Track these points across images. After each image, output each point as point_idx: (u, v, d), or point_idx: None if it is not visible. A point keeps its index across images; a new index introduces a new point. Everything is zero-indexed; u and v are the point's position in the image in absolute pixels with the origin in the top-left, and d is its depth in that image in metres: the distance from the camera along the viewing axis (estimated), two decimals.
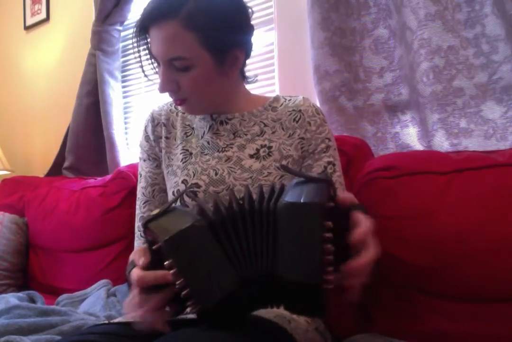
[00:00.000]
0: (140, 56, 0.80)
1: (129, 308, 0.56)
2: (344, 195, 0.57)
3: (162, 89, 0.77)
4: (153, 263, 0.55)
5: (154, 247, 0.53)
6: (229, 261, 0.52)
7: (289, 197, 0.52)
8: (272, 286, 0.52)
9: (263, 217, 0.53)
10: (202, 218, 0.53)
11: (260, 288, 0.54)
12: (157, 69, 0.80)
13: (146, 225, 0.55)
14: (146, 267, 0.55)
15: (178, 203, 0.80)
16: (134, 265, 0.57)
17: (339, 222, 0.51)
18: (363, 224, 0.52)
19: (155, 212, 0.57)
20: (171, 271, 0.50)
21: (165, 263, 0.51)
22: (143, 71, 0.82)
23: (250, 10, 0.80)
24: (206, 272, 0.50)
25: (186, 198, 0.80)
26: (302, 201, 0.50)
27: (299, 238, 0.49)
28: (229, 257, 0.52)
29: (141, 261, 0.55)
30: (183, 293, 0.50)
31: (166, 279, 0.52)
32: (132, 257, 0.60)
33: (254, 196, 0.56)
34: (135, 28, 0.77)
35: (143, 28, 0.76)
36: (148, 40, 0.78)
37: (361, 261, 0.51)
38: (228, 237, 0.53)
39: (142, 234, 0.87)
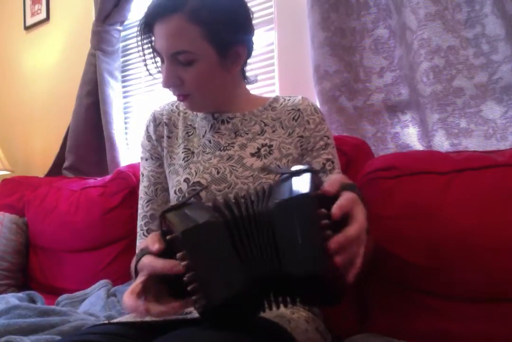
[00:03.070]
0: (144, 55, 0.80)
1: (128, 296, 0.53)
2: (330, 179, 0.56)
3: (166, 84, 0.78)
4: (165, 253, 0.55)
5: (168, 237, 0.53)
6: (239, 260, 0.52)
7: (278, 195, 0.53)
8: (283, 285, 0.52)
9: (260, 219, 0.53)
10: (219, 214, 0.54)
11: (270, 288, 0.54)
12: (160, 68, 0.81)
13: (163, 215, 0.55)
14: (159, 254, 0.54)
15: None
16: (144, 253, 0.56)
17: (332, 206, 0.51)
18: (342, 198, 0.52)
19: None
20: (182, 263, 0.50)
21: (178, 254, 0.51)
22: (147, 69, 0.83)
23: (251, 11, 0.81)
24: (217, 268, 0.50)
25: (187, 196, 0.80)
26: (291, 196, 0.51)
27: (300, 233, 0.49)
28: (240, 256, 0.52)
29: (155, 246, 0.55)
30: (190, 286, 0.50)
31: (172, 270, 0.51)
32: (142, 245, 0.59)
33: (252, 197, 0.57)
34: (139, 26, 0.78)
35: (148, 25, 0.77)
36: (152, 38, 0.78)
37: (347, 232, 0.49)
38: (240, 236, 0.53)
39: (146, 233, 0.87)
